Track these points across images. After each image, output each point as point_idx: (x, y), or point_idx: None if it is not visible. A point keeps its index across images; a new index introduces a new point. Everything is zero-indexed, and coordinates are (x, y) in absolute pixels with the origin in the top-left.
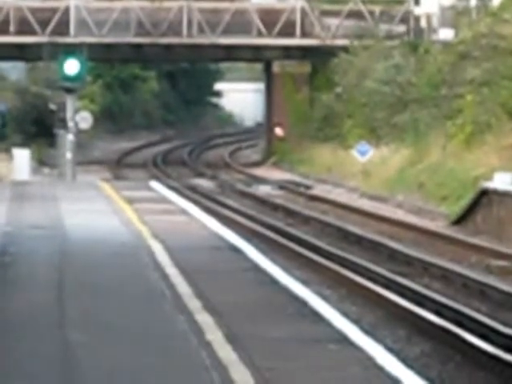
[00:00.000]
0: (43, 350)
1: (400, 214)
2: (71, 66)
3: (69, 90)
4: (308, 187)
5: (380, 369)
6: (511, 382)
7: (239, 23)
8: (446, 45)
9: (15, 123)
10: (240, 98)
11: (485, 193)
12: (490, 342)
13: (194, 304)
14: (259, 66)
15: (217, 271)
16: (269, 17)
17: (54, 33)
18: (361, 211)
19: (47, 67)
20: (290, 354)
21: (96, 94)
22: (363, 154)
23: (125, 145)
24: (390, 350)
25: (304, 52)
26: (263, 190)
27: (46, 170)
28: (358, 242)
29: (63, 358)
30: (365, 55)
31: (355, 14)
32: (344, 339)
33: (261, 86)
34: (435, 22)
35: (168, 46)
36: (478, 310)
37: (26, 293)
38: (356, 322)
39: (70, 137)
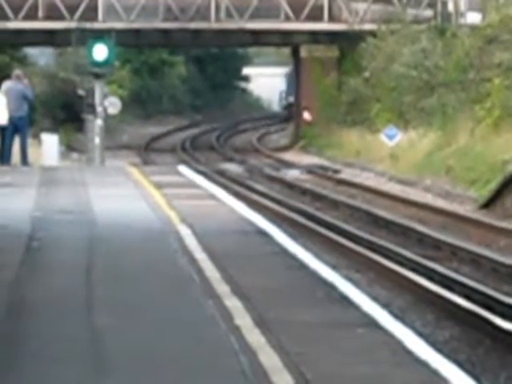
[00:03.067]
0: (71, 333)
1: (428, 198)
2: (100, 52)
3: (97, 76)
4: (336, 171)
5: (409, 353)
6: None
7: (267, 8)
8: (473, 29)
9: (44, 108)
10: (268, 82)
11: None
12: None
13: (222, 289)
14: (287, 51)
15: (245, 256)
16: (296, 1)
17: (83, 18)
18: (389, 195)
19: (76, 52)
20: (318, 339)
21: (124, 79)
22: (391, 137)
23: (153, 130)
24: (419, 334)
25: (332, 36)
26: (291, 174)
27: (75, 156)
28: (387, 226)
29: (91, 341)
30: (392, 40)
31: None
32: (373, 323)
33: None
34: (462, 5)
35: (196, 31)
36: (508, 294)
37: (54, 277)
38: (385, 306)
39: (99, 122)
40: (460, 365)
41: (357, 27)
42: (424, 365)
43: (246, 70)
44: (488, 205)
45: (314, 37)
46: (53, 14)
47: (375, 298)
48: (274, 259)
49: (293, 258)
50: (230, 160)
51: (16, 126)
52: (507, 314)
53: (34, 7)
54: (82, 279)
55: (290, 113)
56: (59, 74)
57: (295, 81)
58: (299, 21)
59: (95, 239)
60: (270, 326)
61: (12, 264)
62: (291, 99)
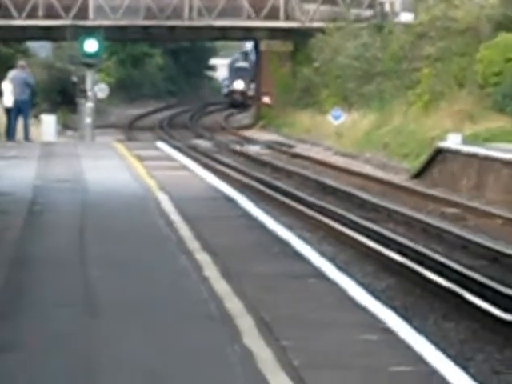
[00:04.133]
0: (67, 283)
1: (368, 169)
2: (90, 45)
3: (88, 65)
4: (290, 146)
5: (351, 299)
6: (462, 308)
7: (232, 8)
8: (406, 26)
9: (43, 93)
10: None
11: (440, 151)
12: (444, 278)
13: (194, 245)
14: (249, 45)
15: (214, 218)
16: (257, 2)
17: (76, 17)
18: (335, 166)
19: (70, 46)
20: (275, 287)
21: (111, 68)
22: (337, 118)
23: (135, 111)
24: (360, 283)
25: (287, 33)
26: (253, 149)
27: (70, 133)
28: (333, 192)
29: (85, 289)
30: (338, 35)
31: (329, 1)
32: (321, 275)
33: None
34: (397, 6)
35: (172, 28)
36: (435, 251)
37: (52, 236)
38: (331, 260)
39: (90, 104)
40: (395, 309)
41: (308, 25)
42: (364, 309)
43: (212, 61)
44: (418, 175)
45: (272, 33)
46: (51, 13)
47: (323, 254)
48: (238, 221)
49: (254, 219)
50: (201, 137)
51: (20, 108)
52: (435, 268)
53: (35, 7)
54: (76, 237)
55: (231, 99)
56: (56, 64)
57: (256, 71)
58: (259, 19)
59: (87, 204)
60: (234, 277)
61: (17, 225)
62: (232, 87)
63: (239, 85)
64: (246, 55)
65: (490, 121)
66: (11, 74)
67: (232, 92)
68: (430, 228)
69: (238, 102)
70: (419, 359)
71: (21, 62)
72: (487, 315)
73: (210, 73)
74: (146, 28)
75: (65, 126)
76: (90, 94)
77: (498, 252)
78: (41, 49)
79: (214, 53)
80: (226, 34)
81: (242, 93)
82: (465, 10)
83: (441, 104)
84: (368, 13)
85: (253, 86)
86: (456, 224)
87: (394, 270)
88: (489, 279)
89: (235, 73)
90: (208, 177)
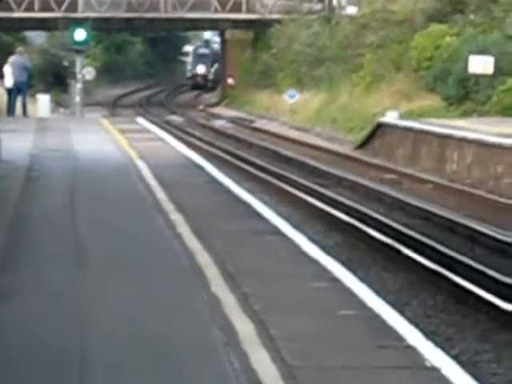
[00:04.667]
0: (59, 239)
1: (318, 141)
2: (79, 34)
3: (78, 52)
4: (251, 121)
5: (304, 254)
6: (399, 260)
7: (201, 2)
8: (351, 18)
9: (39, 76)
10: None
11: (380, 125)
12: (384, 234)
13: (168, 207)
14: (208, 34)
15: (185, 183)
16: None
17: (67, 10)
18: (290, 139)
19: (62, 35)
20: (239, 242)
21: (97, 54)
22: (291, 97)
23: (118, 91)
24: (312, 240)
25: (248, 23)
26: (219, 123)
27: (62, 110)
28: (288, 161)
29: (75, 244)
30: (292, 26)
31: None
32: (278, 232)
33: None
34: (343, 1)
35: (150, 20)
36: (376, 211)
37: (46, 198)
38: (287, 219)
39: (79, 85)
40: (342, 262)
41: (267, 17)
42: (316, 262)
43: (185, 48)
44: (361, 146)
45: (235, 24)
46: (45, 6)
47: (280, 214)
48: (206, 186)
49: (220, 184)
50: (174, 113)
51: (19, 88)
52: (376, 226)
53: (31, 2)
54: (68, 200)
55: (194, 82)
56: (50, 50)
57: (221, 56)
58: (224, 12)
59: (77, 171)
60: (203, 234)
61: (16, 189)
62: (194, 71)
63: (201, 69)
64: (207, 43)
65: (423, 99)
66: (11, 58)
67: (195, 75)
68: (371, 191)
69: (200, 84)
70: (362, 305)
71: (19, 49)
72: (421, 267)
73: (183, 58)
74: (127, 20)
75: (57, 104)
76: (79, 76)
77: (429, 212)
78: (37, 37)
79: (186, 41)
80: (196, 24)
81: (204, 76)
82: (401, 4)
83: (381, 85)
84: (318, 6)
85: (212, 70)
86: (393, 188)
87: (341, 228)
88: (422, 236)
89: (198, 58)
90: (180, 147)
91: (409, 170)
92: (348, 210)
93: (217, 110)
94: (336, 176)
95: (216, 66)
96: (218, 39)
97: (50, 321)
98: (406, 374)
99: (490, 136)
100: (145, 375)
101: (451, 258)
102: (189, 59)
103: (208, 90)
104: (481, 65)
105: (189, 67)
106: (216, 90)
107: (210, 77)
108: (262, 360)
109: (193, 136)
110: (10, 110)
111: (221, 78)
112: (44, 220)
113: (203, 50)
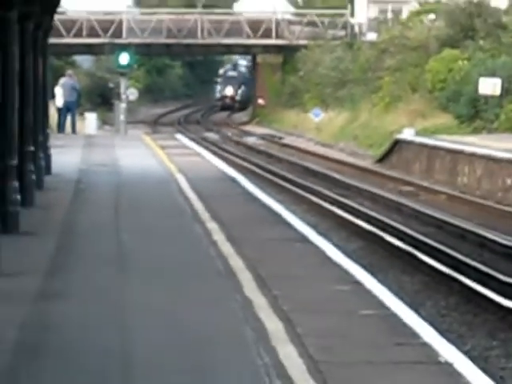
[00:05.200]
0: (105, 244)
1: (341, 156)
2: (123, 58)
3: (122, 74)
4: (280, 138)
5: (328, 258)
6: (416, 265)
7: (235, 29)
8: (371, 43)
9: (86, 96)
10: None
11: (397, 142)
12: (403, 241)
13: (205, 216)
14: (248, 57)
15: (220, 194)
16: (254, 24)
17: (112, 36)
18: (315, 154)
19: (107, 59)
20: (269, 249)
21: (140, 76)
22: (317, 116)
23: (159, 110)
24: (336, 246)
25: (278, 48)
26: (250, 140)
27: (107, 127)
28: (314, 174)
29: (118, 248)
30: (318, 51)
31: (311, 23)
32: (305, 239)
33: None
34: (364, 28)
35: (188, 45)
36: (395, 220)
37: (93, 208)
38: (313, 227)
39: (123, 105)
40: (363, 266)
41: (294, 42)
42: (338, 266)
43: (220, 71)
44: (381, 160)
45: (266, 48)
46: (92, 33)
47: (307, 223)
48: (239, 197)
49: (252, 196)
50: (210, 130)
51: (68, 108)
52: (394, 233)
53: (80, 29)
54: (112, 210)
55: (223, 103)
56: (97, 73)
57: (253, 78)
58: (256, 38)
59: (121, 183)
60: (236, 241)
61: (66, 199)
62: (223, 93)
63: (229, 91)
64: (235, 66)
65: (437, 118)
66: (61, 80)
67: (224, 97)
68: (390, 202)
69: (228, 105)
70: (382, 305)
71: (69, 72)
72: (435, 271)
73: (218, 80)
74: (167, 45)
75: (103, 122)
76: (123, 96)
77: (443, 221)
78: (84, 61)
79: (221, 64)
80: (230, 49)
81: (232, 97)
82: (417, 31)
83: (398, 105)
84: (341, 33)
85: (240, 91)
86: (410, 199)
87: (363, 235)
88: (436, 242)
89: (226, 81)
90: (216, 162)
91: (424, 183)
92: (369, 219)
93: (248, 128)
94: (357, 187)
95: (243, 88)
96: (245, 63)
97: (95, 314)
98: (421, 369)
99: (498, 151)
100: (182, 367)
101: (462, 262)
102: (219, 81)
103: (236, 110)
104: (490, 86)
105: (218, 89)
106: (244, 110)
107: (238, 98)
108: (289, 355)
109: (227, 151)
110: (61, 128)
111: (248, 99)
112: (91, 227)
113: (231, 73)
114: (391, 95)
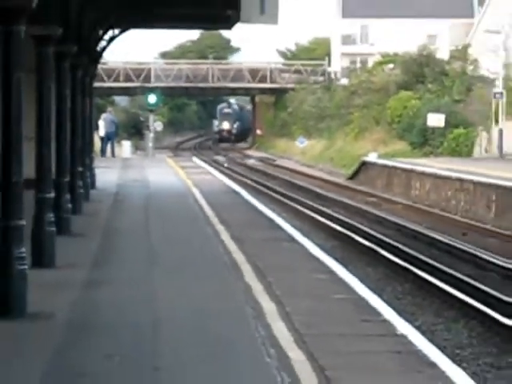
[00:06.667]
0: (138, 244)
1: (321, 174)
2: (152, 98)
3: (151, 111)
4: (274, 160)
5: (310, 254)
6: (378, 259)
7: (238, 76)
8: (344, 87)
9: (123, 128)
10: None
11: (364, 163)
12: (368, 240)
13: (214, 220)
14: (247, 98)
15: (226, 203)
16: (253, 72)
17: (143, 81)
18: (301, 172)
19: (139, 98)
20: (264, 246)
21: (164, 112)
22: (301, 143)
23: (179, 139)
24: (316, 244)
25: (271, 91)
26: (250, 161)
27: (139, 152)
28: (299, 188)
29: (149, 248)
30: (302, 92)
31: (297, 71)
32: (292, 239)
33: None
34: (339, 75)
35: (202, 88)
36: (363, 224)
37: (128, 214)
38: (299, 229)
39: (151, 134)
40: (337, 260)
41: (284, 86)
42: (317, 259)
43: (217, 107)
44: (351, 178)
45: (262, 90)
46: (127, 78)
47: (294, 226)
48: (241, 206)
49: (251, 205)
50: (219, 154)
51: (109, 137)
52: (362, 234)
53: (118, 75)
54: (143, 216)
55: (220, 136)
56: (131, 110)
57: (252, 114)
58: (254, 82)
59: (150, 195)
60: (239, 240)
61: (106, 208)
62: (221, 127)
63: (226, 125)
64: (229, 104)
65: (395, 144)
66: (103, 115)
67: (221, 130)
68: (358, 210)
69: (225, 138)
70: (351, 290)
71: (109, 109)
72: (394, 264)
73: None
74: (186, 88)
75: (136, 148)
76: (151, 128)
77: (400, 225)
78: (121, 100)
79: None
80: (234, 91)
81: (228, 131)
82: (379, 77)
83: (365, 134)
84: (321, 78)
85: (235, 126)
86: (374, 207)
87: (337, 236)
88: (395, 241)
89: (223, 116)
90: (223, 178)
91: (385, 195)
92: (341, 223)
93: (249, 152)
94: (333, 199)
95: (238, 123)
96: (235, 101)
97: (130, 297)
98: (382, 340)
99: (442, 170)
100: (195, 337)
101: (415, 257)
102: (217, 117)
103: (232, 142)
104: (436, 120)
105: (216, 123)
106: (240, 142)
107: (234, 131)
108: (280, 329)
109: (232, 170)
110: (103, 152)
111: (242, 132)
112: (126, 231)
113: (227, 110)
114: (360, 127)
